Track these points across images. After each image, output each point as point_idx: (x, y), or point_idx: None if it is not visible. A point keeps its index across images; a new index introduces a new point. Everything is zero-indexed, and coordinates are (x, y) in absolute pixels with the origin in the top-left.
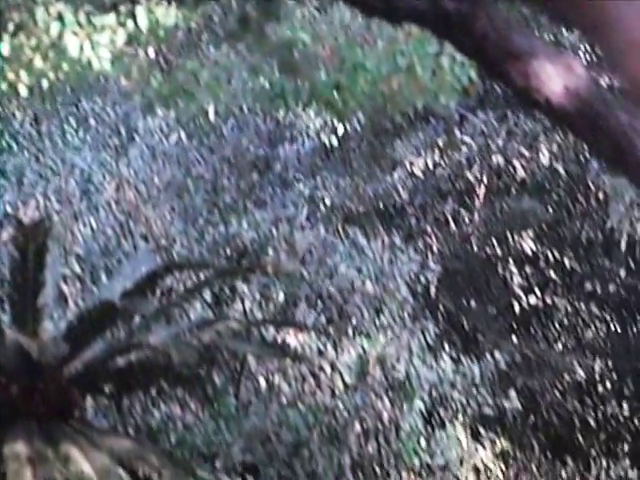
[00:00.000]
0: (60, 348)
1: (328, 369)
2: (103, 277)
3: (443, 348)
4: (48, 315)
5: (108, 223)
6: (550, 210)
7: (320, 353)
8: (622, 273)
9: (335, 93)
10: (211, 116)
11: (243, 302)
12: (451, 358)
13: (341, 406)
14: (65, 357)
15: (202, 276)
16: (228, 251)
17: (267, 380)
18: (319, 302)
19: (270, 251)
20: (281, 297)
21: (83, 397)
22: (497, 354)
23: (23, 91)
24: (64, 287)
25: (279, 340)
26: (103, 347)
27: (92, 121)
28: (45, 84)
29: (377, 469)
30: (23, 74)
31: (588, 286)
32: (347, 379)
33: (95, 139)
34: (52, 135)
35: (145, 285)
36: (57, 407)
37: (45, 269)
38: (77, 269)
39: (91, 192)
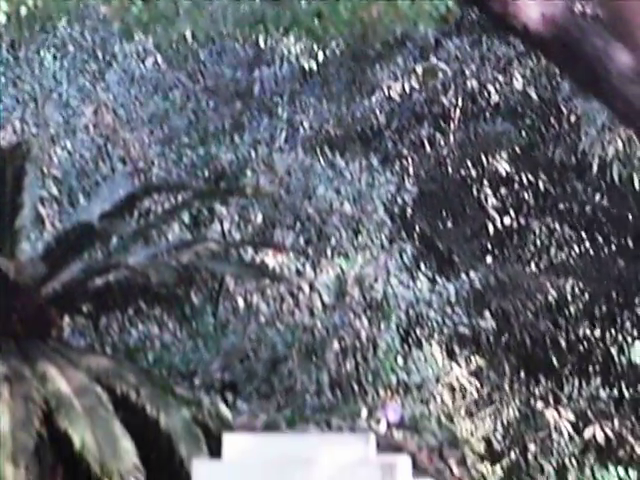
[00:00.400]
0: (38, 269)
1: (307, 289)
2: (81, 199)
3: (419, 268)
4: (25, 237)
5: (86, 146)
6: (524, 134)
7: (299, 273)
8: (594, 195)
9: (316, 20)
10: (189, 41)
11: (221, 224)
12: (427, 278)
13: (319, 325)
14: (43, 277)
15: (180, 198)
16: (206, 173)
17: (245, 300)
18: (297, 223)
19: (249, 173)
20: (259, 219)
21: (61, 317)
22: (472, 274)
23: (1, 18)
24: (41, 209)
25: (258, 261)
26: (81, 267)
27: (70, 47)
28: (24, 11)
29: (355, 386)
30: (1, 2)
31: (561, 208)
32: (325, 299)
33: (73, 64)
34: (30, 61)
35: (123, 207)
36: (34, 326)
37: (23, 192)
38: (55, 191)
39: (69, 116)
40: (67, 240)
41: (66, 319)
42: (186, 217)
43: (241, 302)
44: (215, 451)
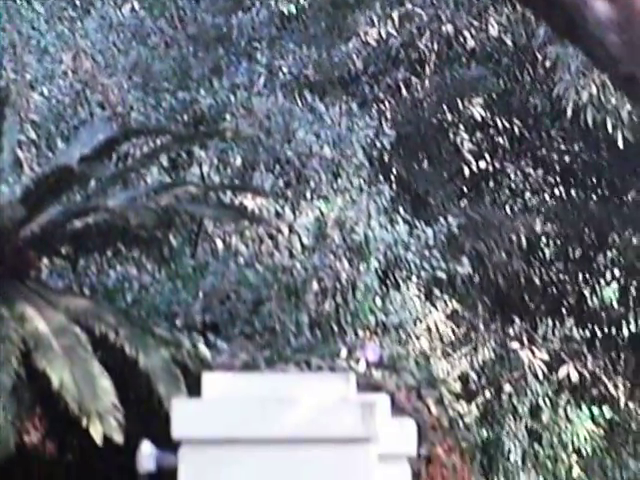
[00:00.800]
0: (17, 212)
1: (286, 231)
2: (59, 144)
3: (398, 211)
4: (4, 180)
5: (64, 92)
6: (499, 79)
7: (278, 216)
8: (568, 139)
9: None
10: None
11: (201, 167)
12: (405, 221)
13: (299, 266)
14: (22, 220)
15: (159, 142)
16: (185, 118)
17: (224, 242)
18: (277, 166)
19: (228, 117)
20: (239, 162)
21: (39, 258)
22: (450, 217)
23: None
24: (20, 153)
25: (237, 203)
26: (60, 210)
27: None
28: None
29: (334, 327)
30: None
31: (536, 152)
32: (305, 240)
33: (51, 12)
34: (7, 8)
35: (102, 151)
36: (13, 268)
37: (1, 136)
38: (33, 135)
39: (47, 62)
40: (46, 183)
41: (44, 261)
42: (165, 161)
43: (220, 244)
44: (194, 391)
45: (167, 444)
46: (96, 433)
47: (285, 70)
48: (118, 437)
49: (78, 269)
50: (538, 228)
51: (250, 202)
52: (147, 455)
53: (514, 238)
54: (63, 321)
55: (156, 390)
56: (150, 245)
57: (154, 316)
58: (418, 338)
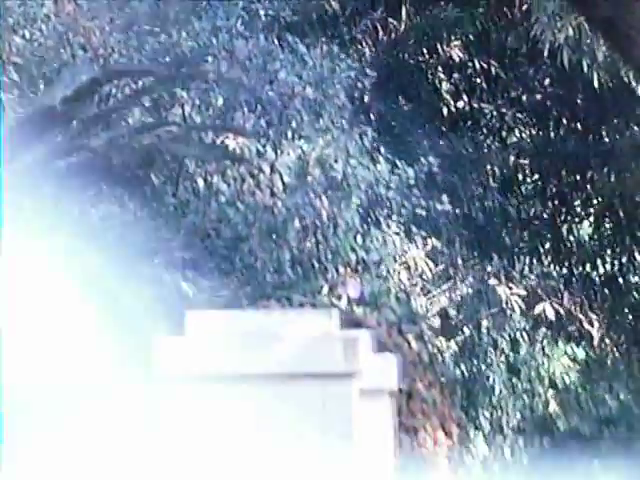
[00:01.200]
0: None
1: (267, 170)
2: (42, 85)
3: (379, 151)
4: None
5: (46, 35)
6: (476, 21)
7: (260, 155)
8: (545, 80)
9: None
10: None
11: (183, 108)
12: (387, 160)
13: (280, 205)
14: (4, 159)
15: (141, 83)
16: (167, 60)
17: (206, 181)
18: (259, 107)
19: (210, 59)
20: (220, 102)
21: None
22: (430, 157)
23: None
24: (2, 95)
25: (219, 143)
26: (42, 150)
27: None
28: None
29: (315, 264)
30: None
31: (513, 92)
32: (286, 179)
33: None
34: None
35: (84, 92)
36: None
37: None
38: (15, 77)
39: (29, 6)
40: (29, 124)
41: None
42: (147, 102)
43: (201, 183)
44: (176, 329)
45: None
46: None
47: (262, 12)
48: None
49: (60, 208)
50: (515, 167)
51: (232, 142)
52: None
53: (491, 177)
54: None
55: (138, 327)
56: (132, 184)
57: (134, 253)
58: (398, 275)
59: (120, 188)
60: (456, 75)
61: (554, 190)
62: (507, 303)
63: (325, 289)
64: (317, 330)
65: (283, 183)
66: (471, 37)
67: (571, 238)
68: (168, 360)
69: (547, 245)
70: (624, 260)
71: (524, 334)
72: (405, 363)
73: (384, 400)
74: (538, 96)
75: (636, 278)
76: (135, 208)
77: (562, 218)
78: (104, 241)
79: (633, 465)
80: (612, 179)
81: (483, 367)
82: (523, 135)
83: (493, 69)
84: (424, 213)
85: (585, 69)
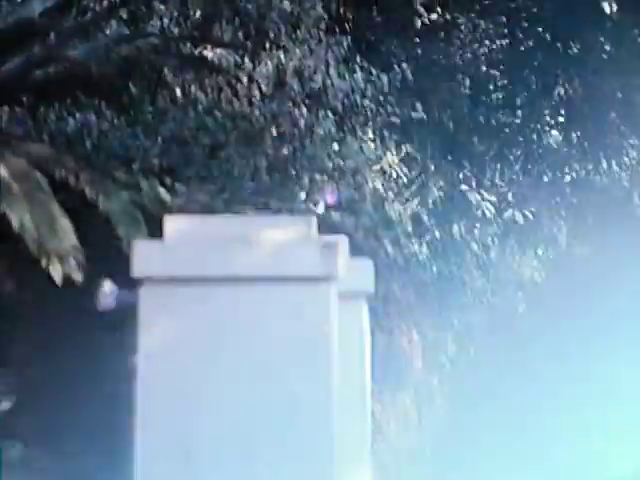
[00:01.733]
0: None
1: (245, 80)
2: None
3: (355, 60)
4: None
5: None
6: None
7: (237, 66)
8: None
9: None
10: None
11: (161, 20)
12: (362, 69)
13: (257, 113)
14: None
15: None
16: None
17: (184, 90)
18: (237, 19)
19: None
20: (198, 14)
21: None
22: (404, 65)
23: None
24: None
25: (197, 54)
26: (21, 61)
27: None
28: None
29: (292, 171)
30: None
31: (485, 3)
32: (264, 89)
33: None
34: None
35: (63, 4)
36: None
37: None
38: None
39: None
40: (7, 36)
41: (5, 109)
42: (125, 14)
43: (179, 92)
44: (153, 234)
45: (127, 286)
46: (55, 273)
47: None
48: (77, 277)
49: (38, 116)
50: (486, 77)
51: (210, 53)
52: (107, 292)
53: (463, 86)
54: (24, 166)
55: (116, 232)
56: (110, 93)
57: (113, 161)
58: (373, 181)
59: (98, 98)
60: None
61: (523, 98)
62: (477, 208)
63: (302, 195)
64: (296, 235)
65: (261, 92)
66: None
67: (540, 145)
68: (147, 263)
69: (517, 152)
70: (590, 166)
71: (494, 238)
72: (381, 267)
73: (361, 303)
74: (509, 6)
75: (604, 181)
76: (112, 117)
77: (531, 127)
78: (81, 148)
79: None
80: (579, 89)
81: (455, 270)
82: (494, 46)
83: None
84: (398, 121)
85: None
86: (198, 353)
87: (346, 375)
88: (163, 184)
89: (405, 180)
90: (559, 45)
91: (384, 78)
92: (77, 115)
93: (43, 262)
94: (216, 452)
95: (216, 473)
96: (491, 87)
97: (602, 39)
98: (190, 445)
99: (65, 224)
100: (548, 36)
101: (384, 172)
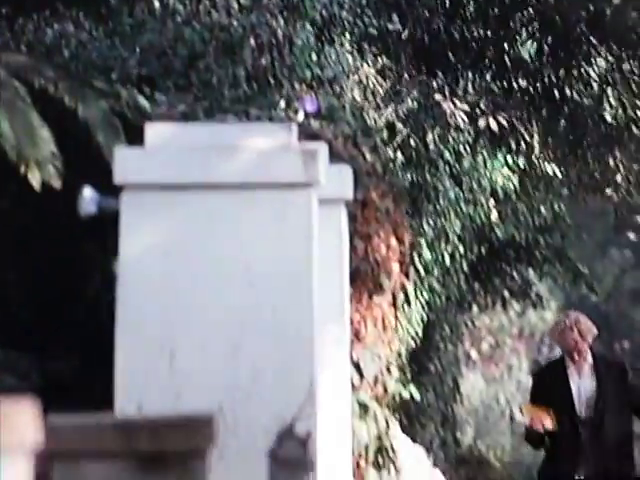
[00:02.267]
0: None
1: None
2: None
3: None
4: None
5: None
6: None
7: None
8: None
9: None
10: None
11: None
12: None
13: (236, 24)
14: None
15: None
16: None
17: (162, 1)
18: None
19: None
20: None
21: None
22: None
23: None
24: None
25: None
26: None
27: None
28: None
29: (271, 80)
30: None
31: None
32: (242, 0)
33: None
34: None
35: None
36: None
37: None
38: None
39: None
40: None
41: None
42: None
43: (158, 3)
44: (133, 141)
45: (107, 193)
46: (34, 179)
47: None
48: (56, 183)
49: (16, 27)
50: None
51: None
52: (88, 198)
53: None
54: (2, 75)
55: (95, 139)
56: (88, 5)
57: (91, 70)
58: (352, 91)
59: (76, 8)
60: None
61: (496, 10)
62: (451, 117)
63: (282, 104)
64: (277, 142)
65: (239, 4)
66: None
67: (512, 56)
68: (129, 170)
69: (489, 62)
70: (561, 74)
71: (467, 146)
72: (360, 174)
73: (340, 209)
74: None
75: (573, 91)
76: (91, 27)
77: (504, 36)
78: (60, 58)
79: (564, 271)
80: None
81: (429, 177)
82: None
83: None
84: (375, 32)
85: None
86: (180, 258)
87: (325, 278)
88: (142, 93)
89: (381, 90)
90: None
91: None
92: (55, 26)
93: (22, 169)
94: (200, 354)
95: (200, 374)
96: (465, 1)
97: None
98: (174, 346)
99: (44, 132)
100: None
101: (361, 82)
